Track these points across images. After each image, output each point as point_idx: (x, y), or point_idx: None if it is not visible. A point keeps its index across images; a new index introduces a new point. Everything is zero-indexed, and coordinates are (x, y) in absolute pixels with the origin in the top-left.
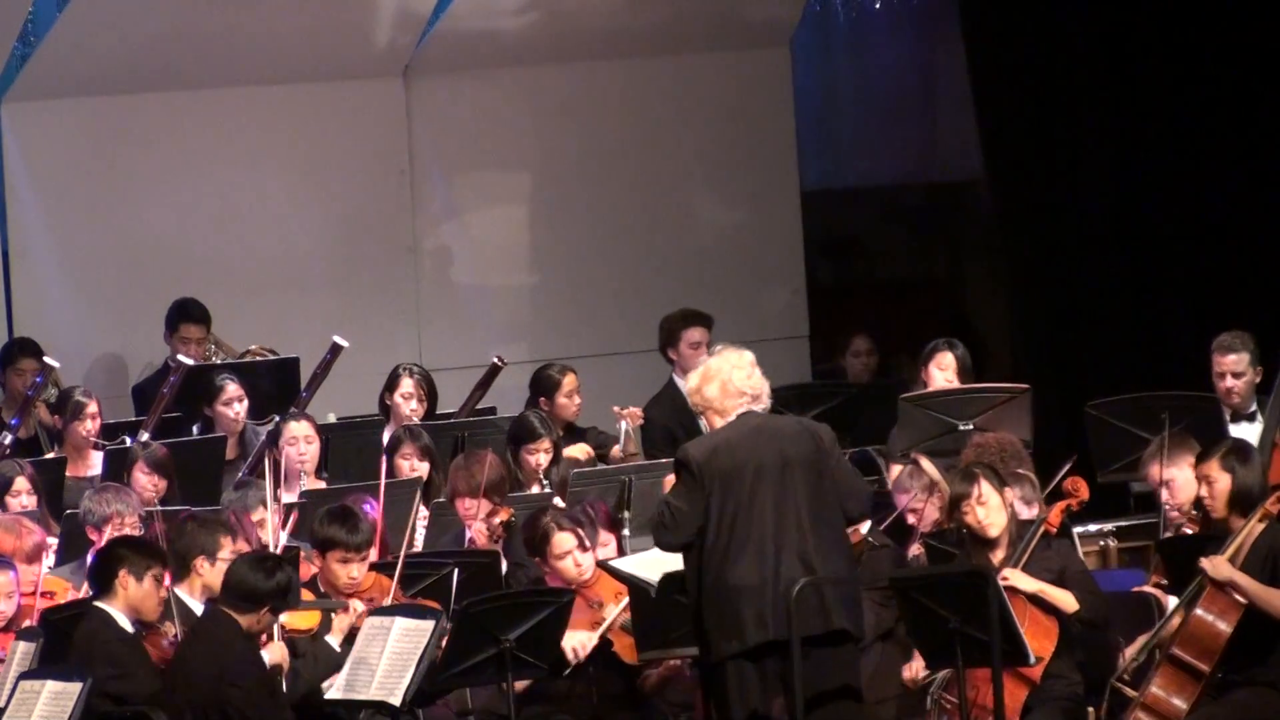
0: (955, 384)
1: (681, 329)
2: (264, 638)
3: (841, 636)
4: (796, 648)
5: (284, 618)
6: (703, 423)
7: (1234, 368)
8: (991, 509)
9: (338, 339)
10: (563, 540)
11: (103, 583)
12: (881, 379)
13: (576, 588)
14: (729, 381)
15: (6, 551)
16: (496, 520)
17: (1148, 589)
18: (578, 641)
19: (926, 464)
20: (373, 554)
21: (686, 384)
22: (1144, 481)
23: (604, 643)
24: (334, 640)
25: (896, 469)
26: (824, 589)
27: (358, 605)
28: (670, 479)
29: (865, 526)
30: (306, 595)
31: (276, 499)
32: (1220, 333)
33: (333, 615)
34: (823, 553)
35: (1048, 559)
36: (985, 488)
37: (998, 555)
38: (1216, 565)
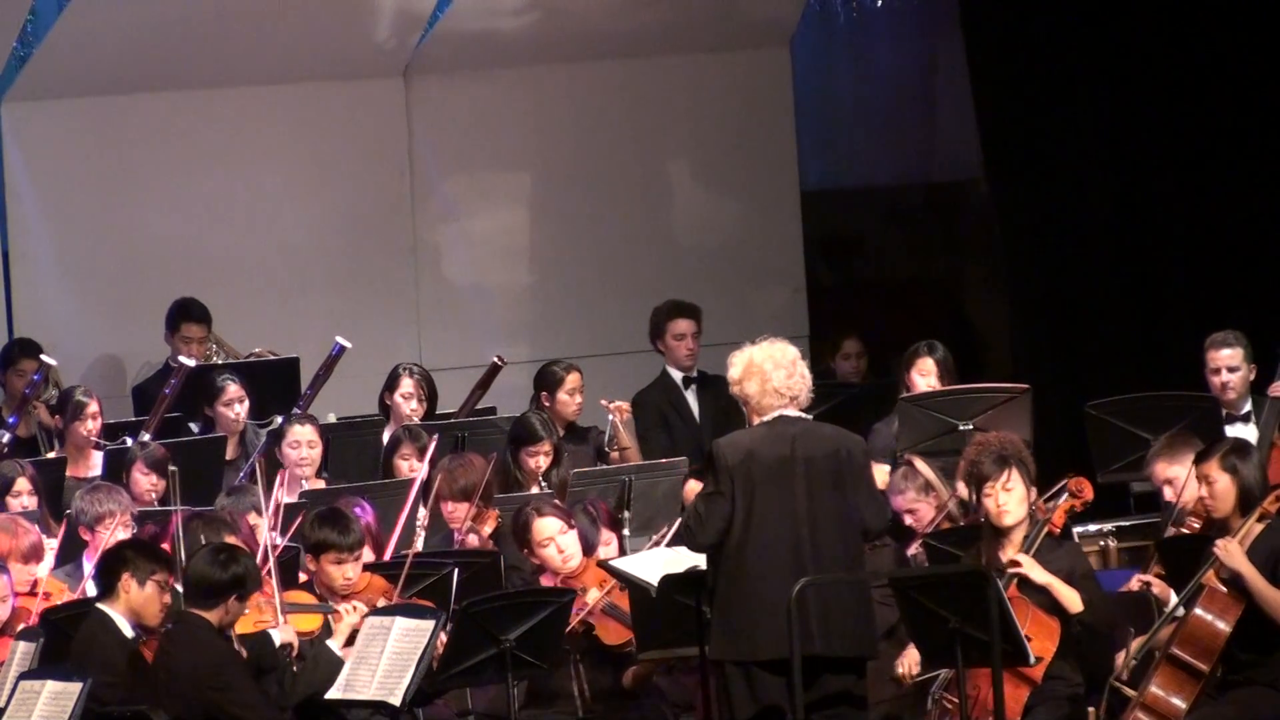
0: (937, 387)
1: (667, 320)
2: (272, 619)
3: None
4: (796, 654)
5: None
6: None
7: (1228, 362)
8: (1014, 499)
9: (341, 340)
10: (543, 526)
11: (106, 584)
12: (874, 380)
13: (564, 578)
14: (769, 381)
15: (2, 552)
16: (485, 529)
17: (1147, 578)
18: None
19: (921, 465)
20: (368, 554)
21: (728, 372)
22: (1145, 481)
23: (588, 631)
24: (335, 644)
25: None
26: (836, 614)
27: (359, 606)
28: (692, 486)
29: None
30: (306, 598)
31: (273, 502)
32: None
33: (330, 619)
34: (837, 566)
35: (1056, 559)
36: (1015, 476)
37: (1007, 554)
38: (1230, 551)
